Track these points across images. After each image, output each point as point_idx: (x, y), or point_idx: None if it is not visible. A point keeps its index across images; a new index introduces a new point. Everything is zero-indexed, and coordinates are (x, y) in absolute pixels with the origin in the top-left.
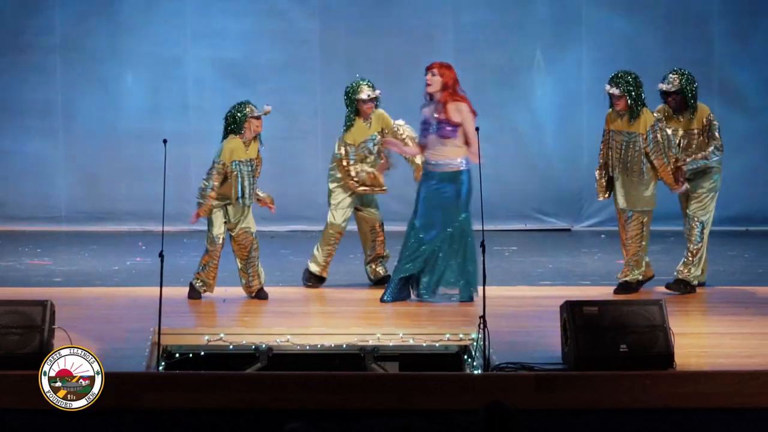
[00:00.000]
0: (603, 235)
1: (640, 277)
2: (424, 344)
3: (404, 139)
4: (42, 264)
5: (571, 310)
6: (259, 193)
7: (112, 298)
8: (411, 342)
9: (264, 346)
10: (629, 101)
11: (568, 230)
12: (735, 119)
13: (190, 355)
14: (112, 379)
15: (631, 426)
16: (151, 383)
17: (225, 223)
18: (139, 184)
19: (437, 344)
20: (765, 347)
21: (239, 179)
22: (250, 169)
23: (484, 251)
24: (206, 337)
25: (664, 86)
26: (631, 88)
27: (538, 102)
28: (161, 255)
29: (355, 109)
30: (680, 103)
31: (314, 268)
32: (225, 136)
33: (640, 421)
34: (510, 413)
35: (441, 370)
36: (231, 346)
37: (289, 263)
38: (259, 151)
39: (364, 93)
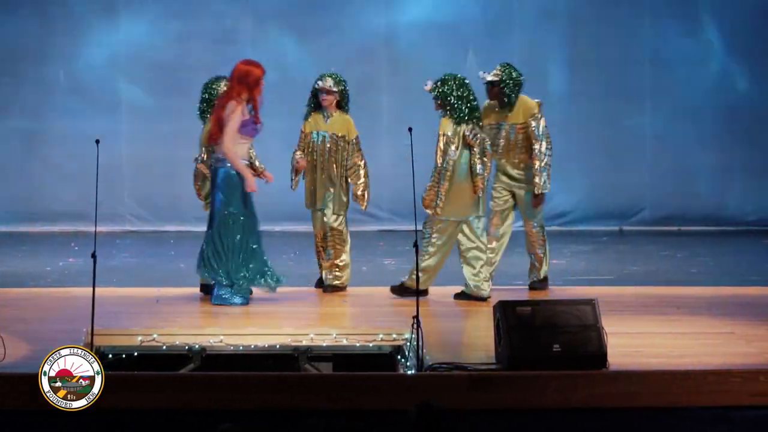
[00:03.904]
0: None
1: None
2: (358, 344)
3: None
4: None
5: (504, 310)
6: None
7: (45, 299)
8: (344, 342)
9: (197, 346)
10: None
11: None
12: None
13: (123, 356)
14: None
15: (565, 426)
16: None
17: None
18: (70, 185)
19: (371, 344)
20: (696, 347)
21: None
22: None
23: (417, 251)
24: (139, 338)
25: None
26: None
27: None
28: (94, 256)
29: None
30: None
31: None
32: (203, 118)
33: (574, 421)
34: (440, 413)
35: (375, 370)
36: (164, 347)
37: None
38: None
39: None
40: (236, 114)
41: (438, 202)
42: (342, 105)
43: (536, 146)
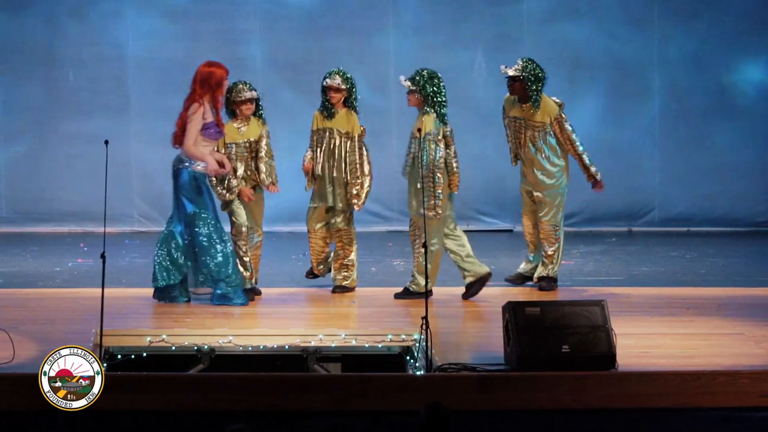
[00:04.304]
0: None
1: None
2: (367, 345)
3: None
4: None
5: (514, 310)
6: (262, 175)
7: (54, 300)
8: (353, 343)
9: (206, 347)
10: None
11: (510, 231)
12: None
13: (133, 356)
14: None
15: (574, 426)
16: None
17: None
18: (80, 185)
19: (380, 345)
20: (705, 348)
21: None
22: (246, 151)
23: (426, 251)
24: (148, 338)
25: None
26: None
27: (480, 103)
28: (103, 256)
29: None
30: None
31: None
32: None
33: (583, 422)
34: (449, 414)
35: (383, 371)
36: (173, 347)
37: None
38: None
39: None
40: (197, 116)
41: (438, 202)
42: (350, 102)
43: (569, 144)
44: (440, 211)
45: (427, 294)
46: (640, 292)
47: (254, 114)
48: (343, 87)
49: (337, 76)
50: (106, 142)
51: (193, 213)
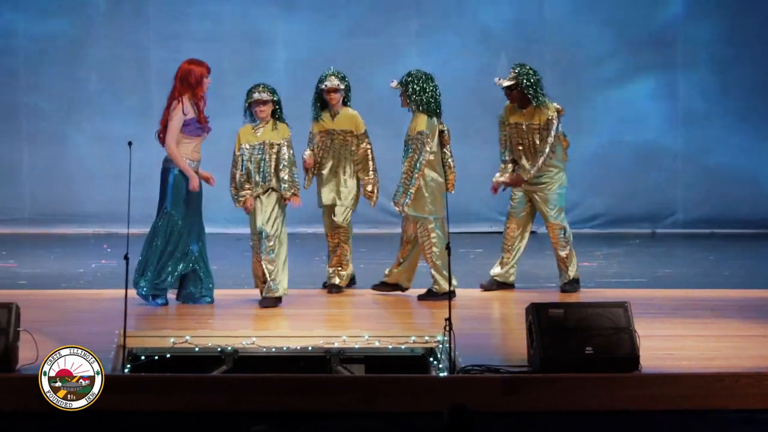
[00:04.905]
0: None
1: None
2: (390, 346)
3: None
4: (6, 266)
5: (537, 312)
6: (283, 186)
7: (78, 301)
8: (377, 344)
9: (230, 348)
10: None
11: (534, 233)
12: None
13: (156, 357)
14: None
15: (597, 428)
16: (116, 386)
17: None
18: (103, 187)
19: (403, 346)
20: (728, 349)
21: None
22: (260, 153)
23: (449, 253)
24: (171, 340)
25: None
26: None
27: (502, 104)
28: (126, 257)
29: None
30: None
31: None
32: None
33: (606, 424)
34: (472, 416)
35: (407, 372)
36: (197, 349)
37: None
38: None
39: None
40: (176, 113)
41: (407, 200)
42: (346, 101)
43: (541, 145)
44: (406, 208)
45: (450, 295)
46: (663, 294)
47: (273, 117)
48: (342, 87)
49: (334, 78)
50: (130, 144)
51: (165, 211)
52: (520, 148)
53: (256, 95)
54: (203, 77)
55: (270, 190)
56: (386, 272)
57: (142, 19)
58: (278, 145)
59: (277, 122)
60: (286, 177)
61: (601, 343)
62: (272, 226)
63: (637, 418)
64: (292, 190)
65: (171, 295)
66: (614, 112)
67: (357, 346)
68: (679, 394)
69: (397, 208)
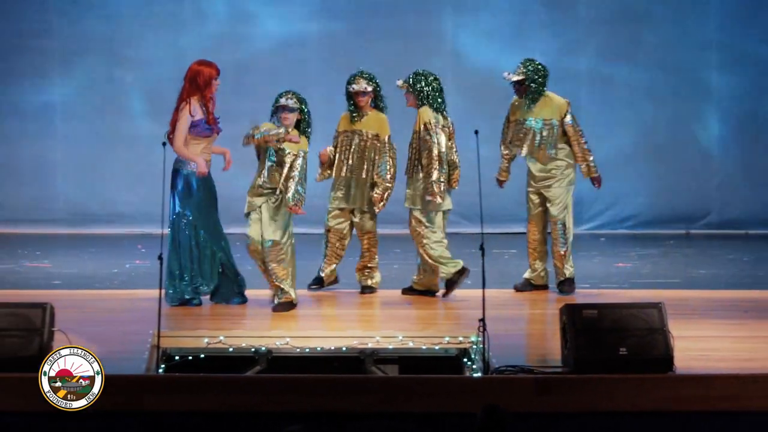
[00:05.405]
0: (602, 239)
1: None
2: (424, 347)
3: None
4: (41, 267)
5: (571, 313)
6: (288, 194)
7: (112, 301)
8: (410, 345)
9: (263, 348)
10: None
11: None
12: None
13: (190, 357)
14: (112, 381)
15: (631, 429)
16: (151, 386)
17: None
18: (138, 187)
19: (437, 347)
20: (763, 350)
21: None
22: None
23: (483, 254)
24: (206, 340)
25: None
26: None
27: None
28: (160, 258)
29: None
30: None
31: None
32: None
33: (640, 425)
34: (505, 416)
35: (440, 373)
36: (230, 349)
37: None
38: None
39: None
40: (183, 114)
41: (437, 189)
42: (377, 103)
43: (575, 138)
44: (440, 199)
45: (463, 271)
46: (697, 295)
47: (297, 127)
48: (369, 89)
49: (361, 80)
50: (164, 144)
51: (178, 213)
52: (525, 144)
53: (282, 100)
54: (212, 78)
55: (279, 197)
56: (414, 278)
57: (178, 20)
58: (294, 155)
59: (299, 132)
60: (292, 188)
61: (635, 344)
62: (282, 234)
63: (670, 419)
64: (294, 201)
65: (204, 296)
66: (648, 112)
67: (391, 347)
68: (713, 396)
69: (438, 199)
